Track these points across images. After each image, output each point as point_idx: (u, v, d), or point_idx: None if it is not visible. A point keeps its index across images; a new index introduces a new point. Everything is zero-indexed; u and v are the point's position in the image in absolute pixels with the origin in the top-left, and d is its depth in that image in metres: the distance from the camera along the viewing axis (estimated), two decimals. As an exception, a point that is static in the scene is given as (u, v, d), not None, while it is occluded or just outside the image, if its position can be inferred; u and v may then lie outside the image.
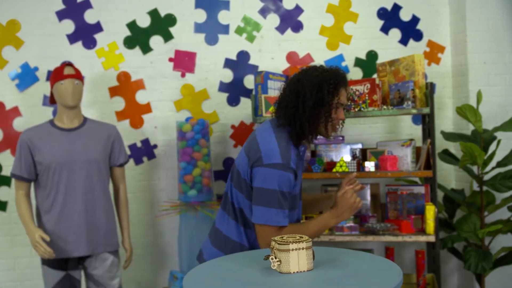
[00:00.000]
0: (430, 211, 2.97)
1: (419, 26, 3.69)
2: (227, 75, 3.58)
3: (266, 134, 2.01)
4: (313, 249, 1.47)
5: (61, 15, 3.43)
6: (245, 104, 3.58)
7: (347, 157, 3.25)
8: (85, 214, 2.70)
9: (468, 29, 3.51)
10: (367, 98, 3.15)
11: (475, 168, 3.39)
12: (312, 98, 1.98)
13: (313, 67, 2.07)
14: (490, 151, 3.28)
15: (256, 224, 1.95)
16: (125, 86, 3.49)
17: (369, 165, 3.09)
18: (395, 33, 3.68)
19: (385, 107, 3.10)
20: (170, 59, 3.53)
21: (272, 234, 1.92)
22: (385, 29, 3.67)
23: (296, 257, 1.42)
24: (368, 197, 3.31)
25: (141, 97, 3.52)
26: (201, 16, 3.56)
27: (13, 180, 3.21)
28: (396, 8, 3.68)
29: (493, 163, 3.31)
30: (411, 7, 3.68)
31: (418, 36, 3.68)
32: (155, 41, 3.53)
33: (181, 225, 3.25)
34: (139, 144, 3.52)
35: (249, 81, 3.58)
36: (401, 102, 3.10)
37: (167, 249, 3.53)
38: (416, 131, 3.63)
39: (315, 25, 3.64)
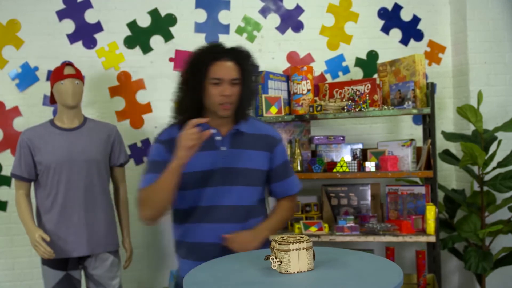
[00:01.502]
0: (431, 211, 2.97)
1: (420, 26, 3.68)
2: (228, 75, 3.58)
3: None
4: (313, 249, 1.47)
5: (61, 14, 3.43)
6: (246, 104, 3.58)
7: (348, 157, 3.25)
8: (85, 214, 2.69)
9: (469, 29, 3.51)
10: (367, 98, 3.15)
11: (475, 168, 3.39)
12: (184, 80, 2.04)
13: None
14: (490, 151, 3.28)
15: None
16: (125, 86, 3.49)
17: (370, 165, 3.08)
18: (396, 33, 3.68)
19: (385, 107, 3.10)
20: (171, 59, 3.53)
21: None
22: (385, 29, 3.67)
23: (296, 257, 1.42)
24: (369, 197, 3.31)
25: (141, 97, 3.51)
26: (201, 16, 3.56)
27: (13, 180, 3.20)
28: (397, 8, 3.68)
29: (493, 163, 3.30)
30: (412, 7, 3.68)
31: (418, 36, 3.68)
32: (156, 41, 3.52)
33: (181, 225, 3.25)
34: (139, 144, 3.51)
35: (249, 81, 3.58)
36: (402, 102, 3.10)
37: (167, 249, 3.53)
38: (417, 131, 3.63)
39: (315, 25, 3.64)
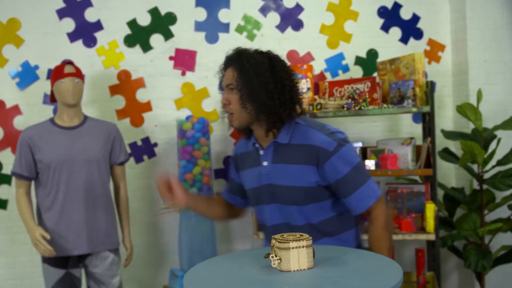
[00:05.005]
0: (430, 209, 2.98)
1: (420, 25, 3.69)
2: (228, 74, 3.58)
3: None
4: (313, 247, 1.47)
5: (61, 13, 3.43)
6: (246, 102, 3.58)
7: (347, 156, 3.24)
8: (86, 213, 2.70)
9: (469, 27, 3.51)
10: (367, 96, 3.15)
11: (475, 167, 3.40)
12: None
13: None
14: (490, 150, 3.28)
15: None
16: (125, 85, 3.49)
17: (370, 164, 3.09)
18: (396, 32, 3.68)
19: (385, 105, 3.10)
20: (171, 58, 3.53)
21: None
22: (385, 28, 3.67)
23: (296, 255, 1.42)
24: (368, 196, 3.30)
25: (141, 95, 3.52)
26: (201, 14, 3.56)
27: (13, 179, 3.21)
28: (397, 6, 3.68)
29: (493, 162, 3.31)
30: (412, 5, 3.68)
31: (418, 34, 3.68)
32: (156, 39, 3.53)
33: (181, 223, 3.26)
34: (139, 143, 3.52)
35: (249, 80, 3.58)
36: (401, 100, 3.10)
37: (168, 248, 3.53)
38: (416, 129, 3.63)
39: (315, 24, 3.64)
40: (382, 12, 3.67)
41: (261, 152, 1.90)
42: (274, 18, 3.62)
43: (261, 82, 1.81)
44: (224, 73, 1.91)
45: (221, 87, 1.95)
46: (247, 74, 1.82)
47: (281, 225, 1.89)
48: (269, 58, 1.87)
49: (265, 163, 1.88)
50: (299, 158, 1.82)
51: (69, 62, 2.79)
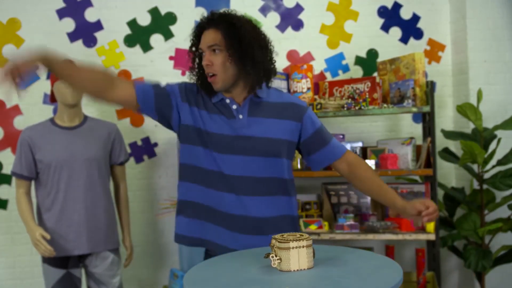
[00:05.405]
0: (430, 209, 2.97)
1: (420, 25, 3.69)
2: (228, 74, 3.58)
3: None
4: (313, 247, 1.47)
5: (61, 13, 3.43)
6: (246, 102, 3.58)
7: (348, 156, 3.24)
8: (86, 213, 2.70)
9: (469, 27, 3.51)
10: (367, 96, 3.15)
11: (475, 167, 3.40)
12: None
13: None
14: (490, 150, 3.28)
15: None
16: (125, 85, 3.49)
17: (370, 163, 3.09)
18: (396, 32, 3.68)
19: (385, 105, 3.11)
20: (171, 58, 3.53)
21: None
22: (385, 28, 3.67)
23: (296, 255, 1.42)
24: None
25: (141, 95, 3.51)
26: (201, 14, 3.56)
27: (13, 179, 3.21)
28: (397, 6, 3.68)
29: (493, 162, 3.31)
30: (412, 5, 3.68)
31: (418, 34, 3.68)
32: (156, 39, 3.53)
33: (181, 223, 3.26)
34: (139, 143, 3.52)
35: (249, 80, 3.58)
36: (402, 100, 3.11)
37: (168, 247, 3.54)
38: (417, 129, 3.63)
39: (315, 24, 3.64)
40: (382, 12, 3.67)
41: (234, 106, 1.91)
42: (274, 18, 3.62)
43: (254, 39, 1.88)
44: (202, 35, 1.90)
45: (195, 49, 1.93)
46: (238, 34, 1.84)
47: (245, 178, 1.88)
48: (249, 18, 1.95)
49: (240, 116, 1.90)
50: (280, 113, 1.93)
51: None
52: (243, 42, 1.84)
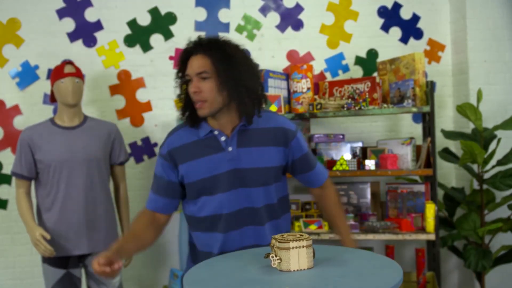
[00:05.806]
0: (430, 209, 2.98)
1: (420, 25, 3.69)
2: (228, 74, 3.58)
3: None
4: (313, 247, 1.47)
5: (61, 13, 3.43)
6: (246, 102, 3.58)
7: (348, 156, 3.25)
8: (86, 212, 2.70)
9: (469, 27, 3.51)
10: (367, 96, 3.15)
11: (475, 167, 3.40)
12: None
13: None
14: (490, 150, 3.28)
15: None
16: (125, 85, 3.49)
17: (369, 164, 3.09)
18: (396, 32, 3.68)
19: (385, 105, 3.11)
20: (171, 57, 3.53)
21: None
22: (385, 28, 3.67)
23: (296, 255, 1.42)
24: (368, 196, 3.31)
25: (141, 95, 3.52)
26: (201, 14, 3.56)
27: (13, 179, 3.21)
28: (397, 6, 3.68)
29: (493, 162, 3.31)
30: (412, 5, 3.68)
31: (418, 34, 3.68)
32: (156, 39, 3.53)
33: (181, 223, 3.26)
34: (139, 143, 3.52)
35: (249, 80, 3.58)
36: (401, 100, 3.11)
37: (168, 247, 3.53)
38: (416, 129, 3.63)
39: (315, 24, 3.64)
40: (382, 12, 3.67)
41: (223, 138, 1.86)
42: (274, 18, 3.62)
43: (245, 65, 1.83)
44: (189, 60, 1.84)
45: (182, 76, 1.88)
46: (229, 60, 1.80)
47: (241, 210, 1.86)
48: (237, 44, 1.89)
49: (230, 149, 1.85)
50: (268, 140, 1.89)
51: (69, 62, 2.80)
52: (235, 69, 1.80)
